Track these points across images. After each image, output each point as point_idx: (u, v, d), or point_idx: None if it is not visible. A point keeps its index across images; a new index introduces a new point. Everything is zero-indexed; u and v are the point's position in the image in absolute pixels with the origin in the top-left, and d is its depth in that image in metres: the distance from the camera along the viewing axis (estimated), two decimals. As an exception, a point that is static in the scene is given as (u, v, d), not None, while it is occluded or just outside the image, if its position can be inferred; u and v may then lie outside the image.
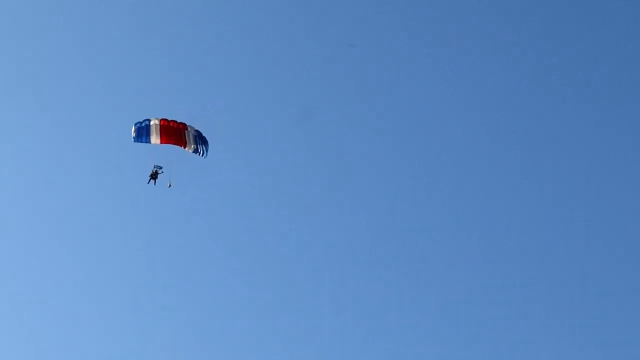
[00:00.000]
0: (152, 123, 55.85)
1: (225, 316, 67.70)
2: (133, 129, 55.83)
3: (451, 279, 68.18)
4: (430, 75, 75.38)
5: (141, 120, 55.99)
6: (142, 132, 55.69)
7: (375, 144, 72.95)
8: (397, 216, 70.79)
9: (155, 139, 55.63)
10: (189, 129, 56.33)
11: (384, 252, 69.28)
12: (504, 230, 70.65)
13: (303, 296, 68.04)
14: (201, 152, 56.34)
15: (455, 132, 73.43)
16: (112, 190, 72.95)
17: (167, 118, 56.10)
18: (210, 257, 70.07)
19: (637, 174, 72.85)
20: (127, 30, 76.37)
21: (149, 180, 57.43)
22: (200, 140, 56.51)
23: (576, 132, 74.40)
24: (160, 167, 57.33)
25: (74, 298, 68.84)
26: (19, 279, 69.79)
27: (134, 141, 55.78)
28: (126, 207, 72.52)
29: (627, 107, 75.33)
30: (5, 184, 73.47)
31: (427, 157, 73.32)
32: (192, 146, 56.07)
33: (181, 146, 55.86)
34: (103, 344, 66.35)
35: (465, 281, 68.23)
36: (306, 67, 74.84)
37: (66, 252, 70.83)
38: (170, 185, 57.14)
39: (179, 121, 56.27)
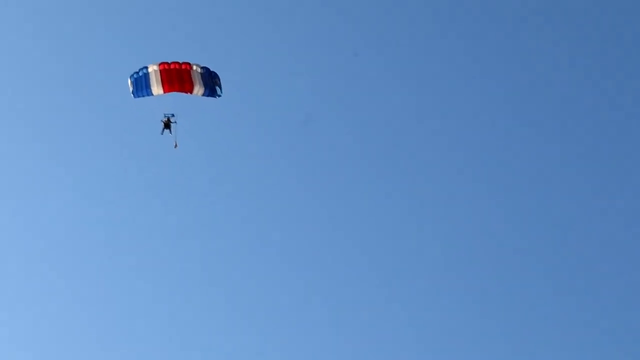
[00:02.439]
0: (150, 70, 47.67)
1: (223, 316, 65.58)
2: (129, 82, 47.96)
3: (454, 280, 66.76)
4: (434, 82, 73.65)
5: (137, 70, 47.97)
6: (141, 84, 47.70)
7: (376, 150, 71.26)
8: (396, 220, 69.01)
9: (157, 89, 47.67)
10: (194, 68, 48.24)
11: (382, 255, 67.47)
12: (507, 231, 69.00)
13: (297, 299, 66.13)
14: (215, 91, 48.51)
15: (457, 137, 71.74)
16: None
17: (167, 61, 48.11)
18: (209, 256, 67.32)
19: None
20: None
21: (163, 131, 49.98)
22: (210, 77, 48.50)
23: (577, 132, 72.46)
24: (173, 115, 49.72)
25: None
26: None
27: (134, 97, 47.90)
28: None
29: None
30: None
31: (427, 162, 71.74)
32: (202, 89, 48.15)
33: (189, 92, 47.99)
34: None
35: (468, 283, 66.64)
36: (309, 73, 72.67)
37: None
38: (176, 146, 49.80)
39: (181, 62, 48.24)
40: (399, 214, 68.77)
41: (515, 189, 70.48)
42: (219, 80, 48.56)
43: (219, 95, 48.70)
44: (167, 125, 49.72)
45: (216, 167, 68.90)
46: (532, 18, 74.42)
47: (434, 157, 70.98)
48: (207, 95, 48.40)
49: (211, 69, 48.46)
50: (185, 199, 67.74)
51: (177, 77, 47.58)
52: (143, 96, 47.70)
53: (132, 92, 47.68)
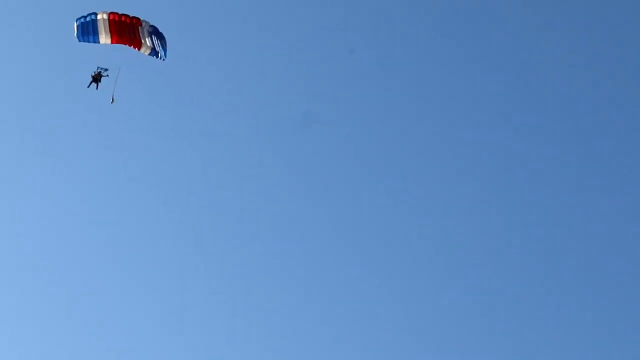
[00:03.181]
0: (99, 18, 46.56)
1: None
2: (75, 25, 46.70)
3: (452, 280, 67.21)
4: (432, 80, 73.74)
5: (85, 15, 46.83)
6: (88, 29, 46.54)
7: (375, 149, 71.31)
8: (397, 220, 69.09)
9: (104, 37, 46.50)
10: (143, 24, 47.26)
11: (381, 255, 67.63)
12: (505, 231, 69.53)
13: (295, 301, 66.17)
14: (159, 52, 47.44)
15: (456, 135, 72.00)
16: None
17: (118, 12, 47.08)
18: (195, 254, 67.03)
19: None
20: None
21: (90, 84, 48.50)
22: (157, 37, 47.51)
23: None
24: (106, 70, 48.33)
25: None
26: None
27: (79, 40, 46.72)
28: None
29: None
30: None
31: (427, 162, 71.76)
32: (149, 46, 47.11)
33: (135, 47, 46.89)
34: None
35: (470, 284, 67.17)
36: (306, 72, 72.63)
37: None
38: (113, 101, 48.43)
39: (131, 15, 47.23)
40: (399, 214, 68.94)
41: (516, 188, 70.84)
42: (165, 42, 47.65)
43: (163, 59, 47.68)
44: (97, 79, 48.27)
45: (215, 167, 69.22)
46: (533, 16, 74.63)
47: (434, 156, 71.22)
48: (152, 55, 47.44)
49: (159, 30, 47.62)
50: (184, 198, 67.72)
51: (126, 30, 46.67)
52: (89, 42, 46.62)
53: (77, 36, 46.59)
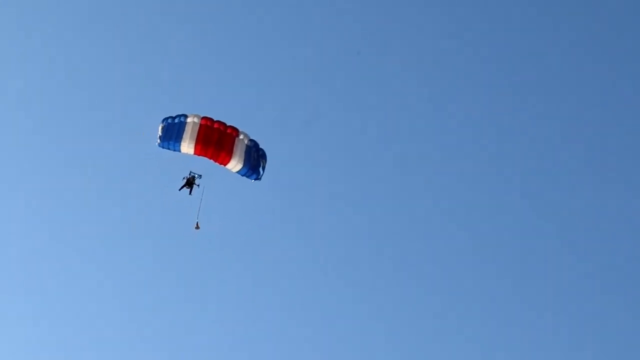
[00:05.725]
0: (189, 120, 38.02)
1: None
2: (161, 126, 38.34)
3: (452, 280, 64.37)
4: (437, 81, 71.25)
5: (174, 115, 38.42)
6: (172, 133, 38.03)
7: (380, 149, 68.88)
8: (400, 220, 66.34)
9: (187, 146, 38.06)
10: (241, 136, 38.68)
11: (385, 254, 64.86)
12: (506, 230, 66.95)
13: (306, 299, 62.86)
14: (256, 172, 38.99)
15: (459, 137, 69.36)
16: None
17: (212, 117, 38.59)
18: (214, 261, 63.06)
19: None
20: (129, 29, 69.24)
21: (182, 187, 40.03)
22: (257, 154, 38.96)
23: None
24: (200, 176, 39.96)
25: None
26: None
27: (159, 145, 38.39)
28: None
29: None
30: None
31: (431, 162, 69.26)
32: (240, 164, 38.60)
33: (221, 163, 38.48)
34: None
35: (465, 282, 64.27)
36: (313, 72, 69.79)
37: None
38: (198, 227, 40.16)
39: (228, 124, 38.70)
40: (401, 214, 66.06)
41: (523, 188, 68.20)
42: (265, 160, 39.19)
43: (259, 179, 39.29)
44: (191, 183, 40.07)
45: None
46: (536, 16, 71.71)
47: (436, 156, 68.62)
48: (244, 174, 38.95)
49: (260, 145, 39.15)
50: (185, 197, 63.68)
51: (216, 140, 38.18)
52: (169, 149, 38.27)
53: (159, 138, 38.25)
